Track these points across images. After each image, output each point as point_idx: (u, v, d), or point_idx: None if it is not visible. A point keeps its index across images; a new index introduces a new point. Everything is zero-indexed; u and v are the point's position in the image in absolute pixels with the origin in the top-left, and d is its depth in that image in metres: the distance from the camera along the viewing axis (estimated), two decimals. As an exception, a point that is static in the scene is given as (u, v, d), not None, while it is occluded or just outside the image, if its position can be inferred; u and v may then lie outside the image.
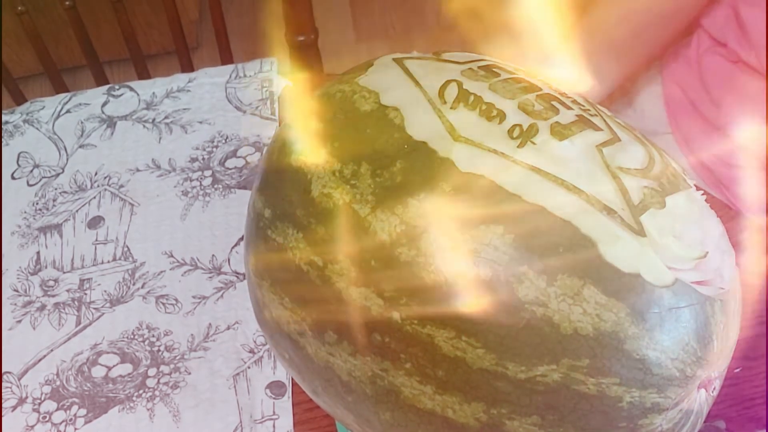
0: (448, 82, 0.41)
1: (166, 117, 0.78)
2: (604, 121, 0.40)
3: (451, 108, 0.40)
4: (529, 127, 0.38)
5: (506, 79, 0.41)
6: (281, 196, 0.43)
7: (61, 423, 0.59)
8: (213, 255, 0.67)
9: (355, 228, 0.39)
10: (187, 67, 1.03)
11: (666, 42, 0.76)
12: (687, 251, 0.37)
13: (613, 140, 0.39)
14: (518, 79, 0.42)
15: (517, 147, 0.38)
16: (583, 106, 0.41)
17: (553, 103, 0.40)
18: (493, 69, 0.42)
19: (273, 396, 0.59)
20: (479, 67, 0.43)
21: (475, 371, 0.37)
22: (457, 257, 0.36)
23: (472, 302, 0.36)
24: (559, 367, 0.35)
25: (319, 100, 0.45)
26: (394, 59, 0.45)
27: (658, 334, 0.36)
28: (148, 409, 0.59)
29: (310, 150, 0.42)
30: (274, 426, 0.57)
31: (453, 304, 0.36)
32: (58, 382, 0.61)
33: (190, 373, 0.61)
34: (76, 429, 0.59)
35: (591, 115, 0.40)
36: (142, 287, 0.66)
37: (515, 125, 0.39)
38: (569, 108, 0.40)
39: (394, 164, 0.39)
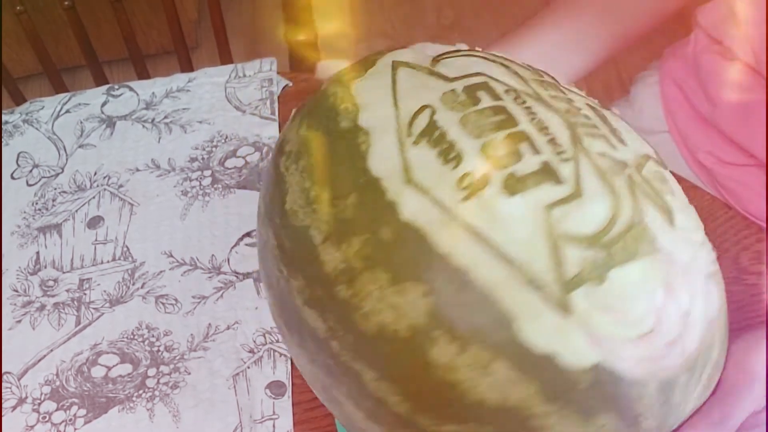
0: (422, 108, 0.39)
1: (165, 117, 0.78)
2: (577, 166, 0.37)
3: (414, 143, 0.38)
4: (480, 178, 0.36)
5: (482, 110, 0.38)
6: (266, 196, 0.44)
7: (60, 423, 0.59)
8: (213, 255, 0.67)
9: (308, 254, 0.39)
10: (187, 67, 1.03)
11: (664, 10, 0.73)
12: (623, 330, 0.35)
13: (572, 197, 0.36)
14: (498, 108, 0.38)
15: (462, 200, 0.36)
16: (560, 147, 0.37)
17: (522, 145, 0.37)
18: (478, 91, 0.40)
19: (273, 396, 0.59)
20: (466, 87, 0.40)
21: (393, 413, 0.38)
22: (381, 308, 0.36)
23: (391, 352, 0.36)
24: (466, 428, 0.36)
25: (319, 96, 0.44)
26: (393, 61, 0.43)
27: (570, 413, 0.35)
28: (147, 409, 0.59)
29: (292, 156, 0.42)
30: (274, 426, 0.57)
31: (377, 349, 0.37)
32: (57, 383, 0.61)
33: (189, 373, 0.61)
34: (75, 429, 0.59)
35: (564, 159, 0.37)
36: (142, 287, 0.66)
37: (467, 174, 0.36)
38: (537, 153, 0.37)
39: (348, 196, 0.38)
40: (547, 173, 0.36)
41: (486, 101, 0.39)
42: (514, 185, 0.36)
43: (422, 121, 0.39)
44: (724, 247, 0.62)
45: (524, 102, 0.39)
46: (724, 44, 0.74)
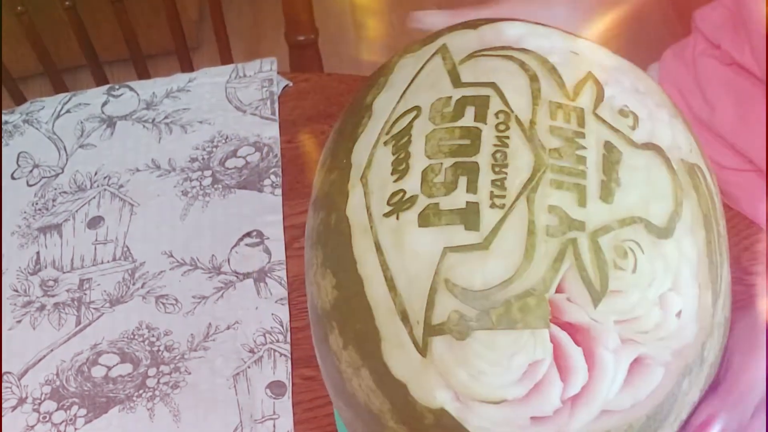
0: (412, 109, 0.39)
1: (166, 117, 0.78)
2: (504, 216, 0.35)
3: (384, 142, 0.39)
4: (407, 199, 0.37)
5: (454, 129, 0.38)
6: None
7: (61, 423, 0.59)
8: (213, 255, 0.67)
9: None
10: (187, 67, 1.03)
11: None
12: (482, 389, 0.35)
13: (476, 247, 0.35)
14: (471, 131, 0.37)
15: (384, 215, 0.37)
16: (502, 191, 0.36)
17: (462, 178, 0.36)
18: (468, 107, 0.38)
19: (273, 396, 0.59)
20: (461, 98, 0.39)
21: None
22: (314, 281, 0.40)
23: (314, 320, 0.42)
24: (347, 413, 0.41)
25: (363, 86, 0.44)
26: (440, 47, 0.42)
27: None
28: (148, 409, 0.59)
29: (327, 147, 0.44)
30: (274, 426, 0.57)
31: (311, 313, 0.42)
32: (58, 382, 0.61)
33: (190, 373, 0.61)
34: (76, 429, 0.59)
35: (495, 206, 0.36)
36: (142, 287, 0.66)
37: (400, 190, 0.37)
38: (473, 191, 0.36)
39: (334, 172, 0.41)
40: (466, 216, 0.36)
41: (466, 120, 0.38)
42: (429, 217, 0.36)
43: (404, 122, 0.39)
44: (724, 247, 0.62)
45: (504, 130, 0.37)
46: (723, 48, 0.74)
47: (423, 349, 0.35)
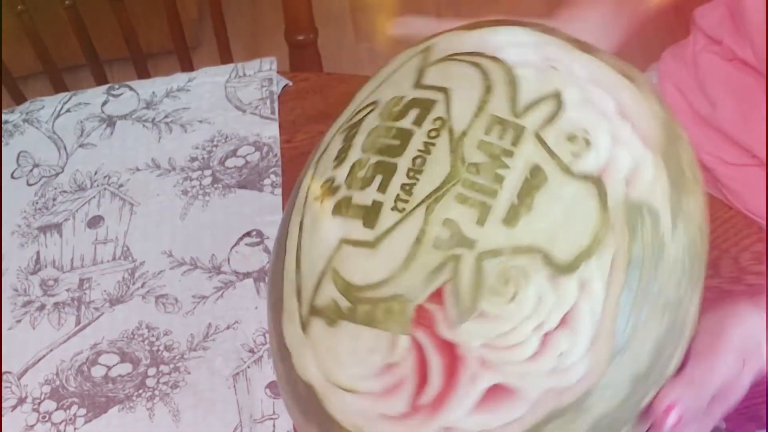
0: (370, 104, 0.41)
1: (166, 116, 0.78)
2: (399, 222, 0.36)
3: (341, 130, 0.42)
4: (333, 188, 0.39)
5: (391, 128, 0.38)
6: None
7: (60, 423, 0.59)
8: (213, 254, 0.67)
9: None
10: (187, 66, 1.03)
11: None
12: (340, 375, 0.37)
13: (366, 244, 0.36)
14: (404, 133, 0.38)
15: (314, 198, 0.40)
16: (407, 196, 0.36)
17: (378, 177, 0.37)
18: (413, 109, 0.39)
19: (273, 395, 0.59)
20: (411, 100, 0.39)
21: None
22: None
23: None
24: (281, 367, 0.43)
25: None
26: (427, 45, 0.43)
27: (294, 404, 0.41)
28: (147, 409, 0.59)
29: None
30: (273, 426, 0.57)
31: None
32: (57, 382, 0.61)
33: (189, 373, 0.61)
34: (75, 428, 0.59)
35: (397, 209, 0.36)
36: (142, 287, 0.66)
37: (331, 178, 0.39)
38: (382, 191, 0.37)
39: (297, 185, 0.45)
40: (368, 213, 0.37)
41: (406, 121, 0.38)
42: (341, 208, 0.38)
43: (360, 115, 0.41)
44: (724, 247, 0.62)
45: (434, 137, 0.37)
46: (724, 44, 0.74)
47: (304, 327, 0.38)
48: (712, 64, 0.77)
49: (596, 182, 0.36)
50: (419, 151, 0.37)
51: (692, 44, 0.80)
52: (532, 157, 0.36)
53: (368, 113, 0.40)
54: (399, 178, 0.37)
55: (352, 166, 0.39)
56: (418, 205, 0.36)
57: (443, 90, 0.39)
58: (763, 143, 0.71)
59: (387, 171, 0.37)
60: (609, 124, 0.38)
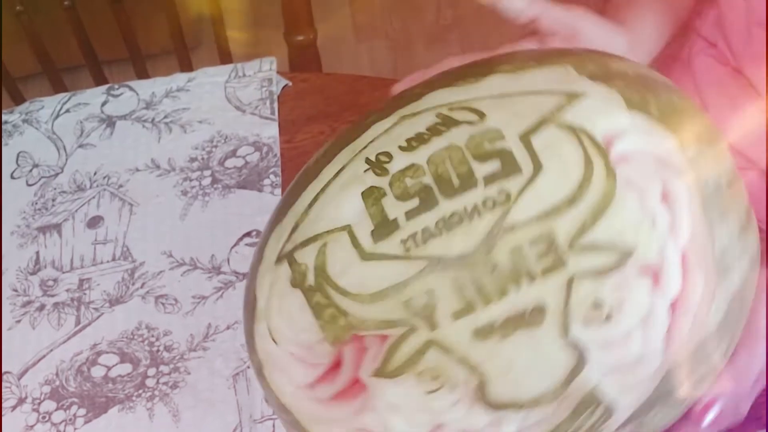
0: (477, 112, 0.37)
1: (165, 117, 0.78)
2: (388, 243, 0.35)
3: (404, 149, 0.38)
4: (381, 167, 0.37)
5: (463, 162, 0.36)
6: None
7: (60, 423, 0.59)
8: (212, 255, 0.67)
9: None
10: (187, 66, 1.03)
11: None
12: (277, 334, 0.39)
13: (360, 250, 0.36)
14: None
15: (364, 171, 0.37)
16: (421, 246, 0.35)
17: (422, 207, 0.35)
18: (501, 159, 0.35)
19: (273, 396, 0.59)
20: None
21: None
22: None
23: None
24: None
25: None
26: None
27: None
28: (147, 409, 0.59)
29: None
30: (274, 426, 0.57)
31: None
32: (57, 382, 0.61)
33: (189, 373, 0.61)
34: (75, 429, 0.59)
35: (408, 245, 0.35)
36: (142, 287, 0.66)
37: (389, 158, 0.37)
38: (408, 215, 0.35)
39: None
40: (382, 226, 0.36)
41: (481, 170, 0.35)
42: (371, 196, 0.36)
43: (461, 115, 0.37)
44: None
45: (486, 209, 0.35)
46: (719, 47, 0.74)
47: (279, 260, 0.39)
48: (707, 67, 0.77)
49: (578, 359, 0.34)
50: (464, 209, 0.35)
51: (688, 47, 0.80)
52: (546, 297, 0.34)
53: (468, 121, 0.37)
54: (428, 219, 0.35)
55: (409, 166, 0.36)
56: (420, 259, 0.34)
57: (538, 166, 0.35)
58: (758, 148, 0.71)
59: (426, 203, 0.35)
60: (643, 322, 0.35)
